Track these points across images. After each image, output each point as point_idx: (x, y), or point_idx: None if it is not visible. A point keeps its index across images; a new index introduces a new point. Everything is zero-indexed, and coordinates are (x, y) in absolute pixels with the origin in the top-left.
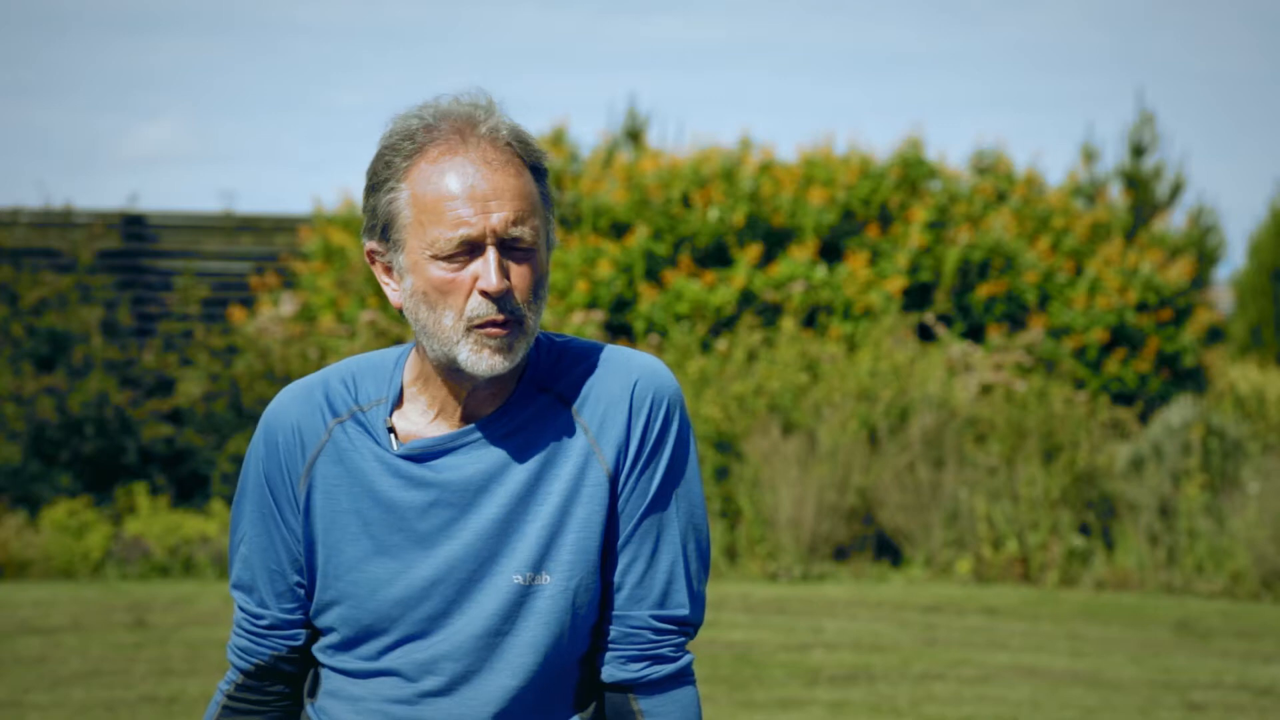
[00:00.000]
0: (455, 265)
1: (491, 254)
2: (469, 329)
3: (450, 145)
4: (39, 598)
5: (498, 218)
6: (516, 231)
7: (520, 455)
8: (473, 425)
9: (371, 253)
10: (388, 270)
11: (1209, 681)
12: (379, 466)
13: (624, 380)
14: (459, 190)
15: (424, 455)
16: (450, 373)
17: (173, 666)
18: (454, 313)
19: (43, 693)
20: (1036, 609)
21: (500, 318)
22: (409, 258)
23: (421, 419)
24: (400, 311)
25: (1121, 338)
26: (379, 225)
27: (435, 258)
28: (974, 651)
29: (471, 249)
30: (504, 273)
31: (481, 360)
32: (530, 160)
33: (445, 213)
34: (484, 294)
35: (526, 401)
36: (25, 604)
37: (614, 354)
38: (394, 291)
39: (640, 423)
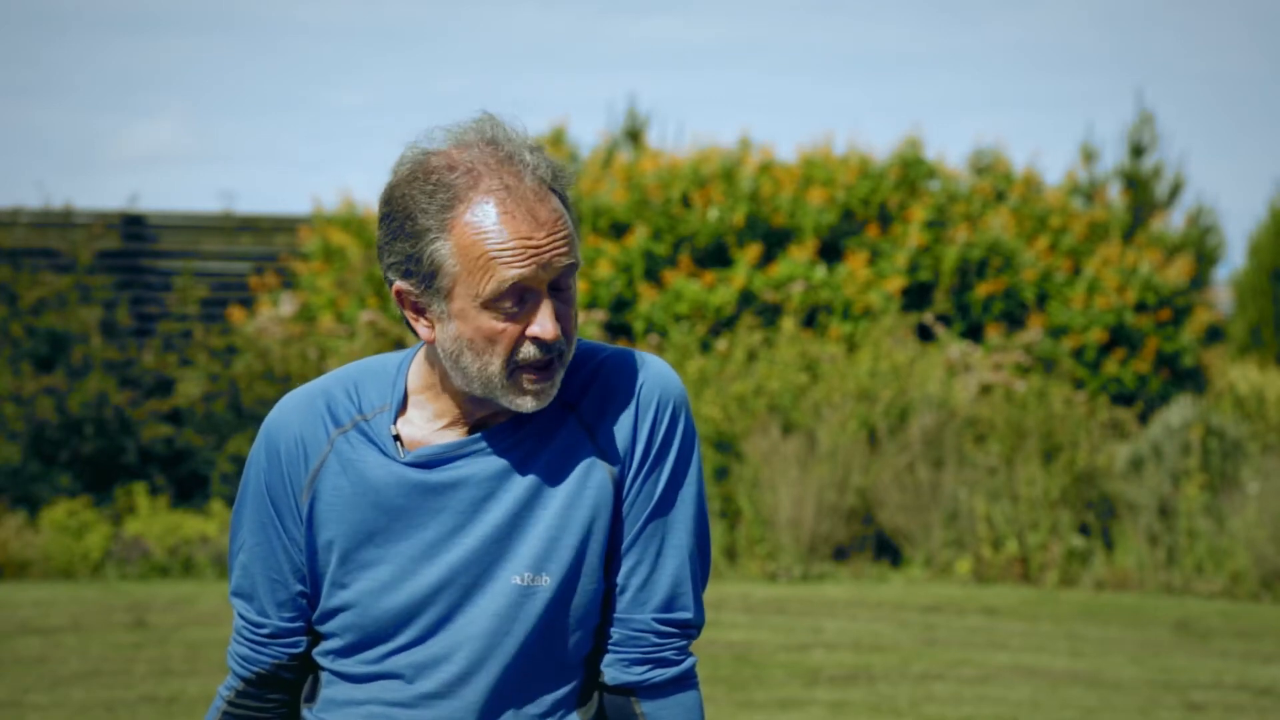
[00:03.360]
0: (505, 314)
1: (546, 303)
2: (513, 371)
3: (496, 195)
4: (39, 598)
5: (551, 264)
6: (567, 273)
7: (526, 460)
8: (480, 434)
9: (401, 293)
10: (418, 309)
11: (1209, 681)
12: (384, 475)
13: (629, 383)
14: (511, 241)
15: (431, 463)
16: (475, 397)
17: (172, 666)
18: (501, 360)
19: (43, 693)
20: (1036, 609)
21: (547, 359)
22: (454, 305)
23: (428, 426)
24: (425, 342)
25: (1120, 338)
26: (420, 273)
27: (485, 306)
28: (974, 651)
29: (522, 295)
30: (556, 318)
31: (526, 401)
32: (563, 192)
33: (496, 261)
34: (535, 340)
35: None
36: (25, 604)
37: (619, 355)
38: (426, 328)
39: (645, 426)
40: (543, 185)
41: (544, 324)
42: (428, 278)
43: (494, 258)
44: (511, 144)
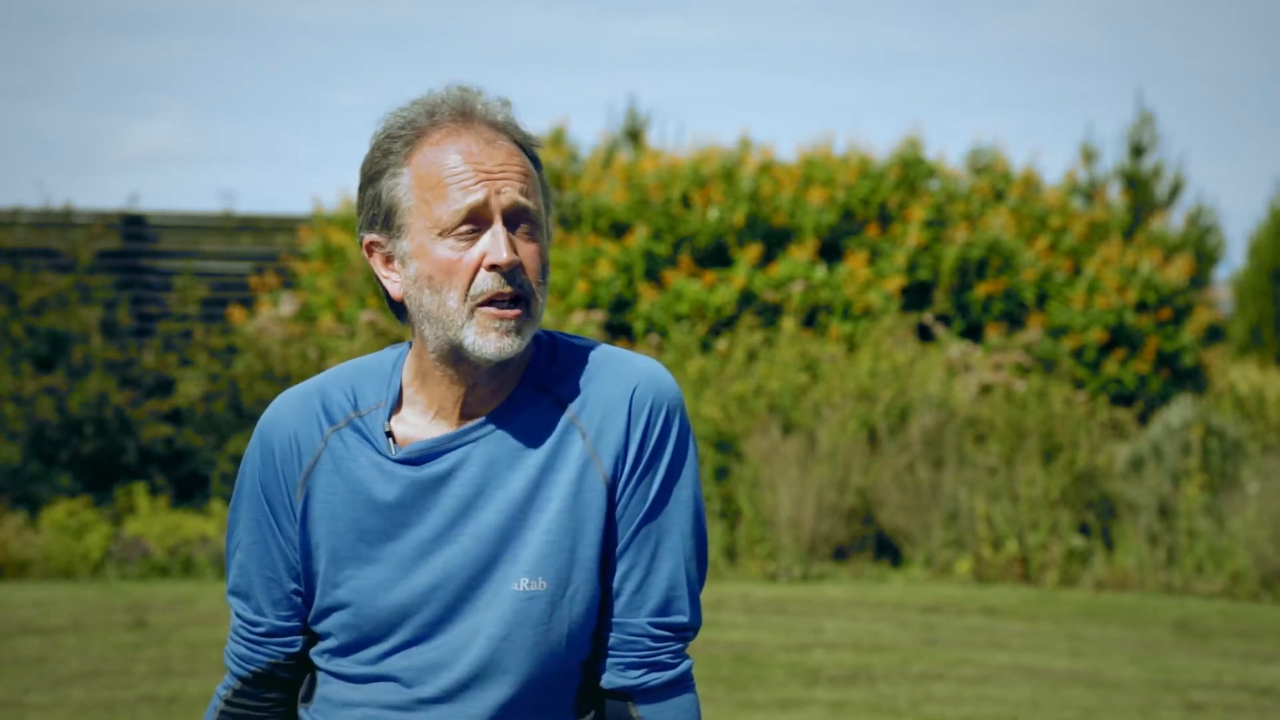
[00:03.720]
0: (462, 244)
1: (499, 228)
2: (474, 309)
3: (452, 128)
4: (39, 598)
5: (504, 189)
6: (524, 202)
7: (519, 460)
8: (471, 425)
9: (371, 244)
10: (387, 261)
11: (1209, 681)
12: (376, 473)
13: (623, 385)
14: (465, 165)
15: (422, 458)
16: (453, 363)
17: (172, 666)
18: (458, 293)
19: (43, 693)
20: (1036, 609)
21: (507, 291)
22: (413, 242)
23: (420, 420)
24: (399, 305)
25: (1120, 338)
26: (380, 214)
27: (442, 235)
28: (974, 651)
29: (478, 225)
30: (512, 248)
31: (489, 343)
32: (527, 145)
33: (450, 186)
34: (493, 268)
35: (526, 402)
36: (25, 604)
37: (613, 357)
38: (394, 283)
39: (639, 429)
40: (496, 126)
41: (498, 249)
42: (388, 217)
43: (448, 183)
44: (474, 95)
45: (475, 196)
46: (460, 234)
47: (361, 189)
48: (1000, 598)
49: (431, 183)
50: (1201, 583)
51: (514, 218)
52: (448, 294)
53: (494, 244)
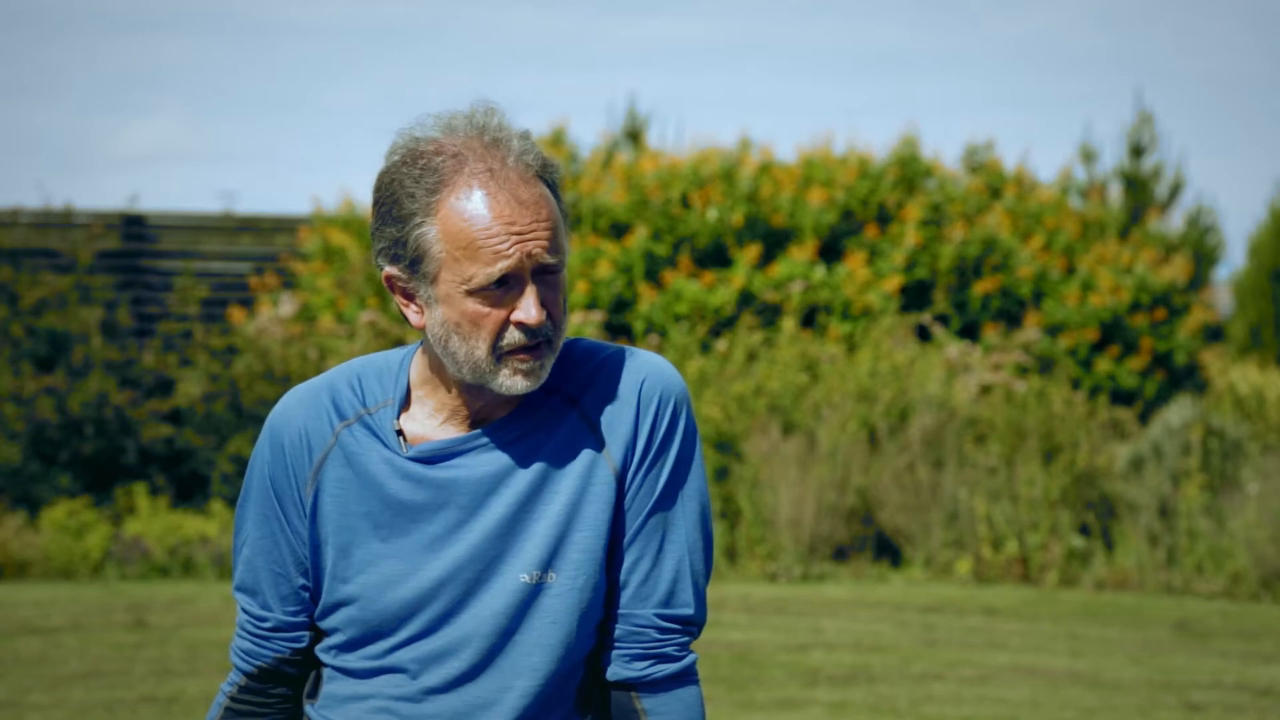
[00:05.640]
0: (491, 299)
1: (530, 288)
2: (502, 356)
3: (480, 178)
4: (39, 598)
5: (535, 249)
6: (552, 260)
7: (528, 456)
8: (482, 430)
9: (391, 278)
10: (407, 295)
11: (1208, 681)
12: (387, 469)
13: (631, 379)
14: (495, 226)
15: (434, 458)
16: (470, 386)
17: (172, 667)
18: (486, 344)
19: (43, 693)
20: (1036, 609)
21: (534, 343)
22: (441, 289)
23: (430, 421)
24: (419, 329)
25: (1115, 336)
26: (406, 257)
27: (471, 293)
28: (973, 652)
29: (507, 279)
30: (540, 303)
31: (516, 383)
32: (551, 179)
33: (481, 248)
34: (520, 325)
35: (535, 404)
36: (25, 604)
37: (620, 353)
38: (416, 314)
39: (648, 421)
40: (529, 170)
41: (528, 309)
42: (414, 262)
43: (480, 245)
44: (500, 130)
45: (508, 262)
46: (490, 291)
47: (382, 220)
48: (1000, 598)
49: (463, 240)
50: (1201, 583)
51: (540, 270)
52: (476, 343)
53: (526, 304)
